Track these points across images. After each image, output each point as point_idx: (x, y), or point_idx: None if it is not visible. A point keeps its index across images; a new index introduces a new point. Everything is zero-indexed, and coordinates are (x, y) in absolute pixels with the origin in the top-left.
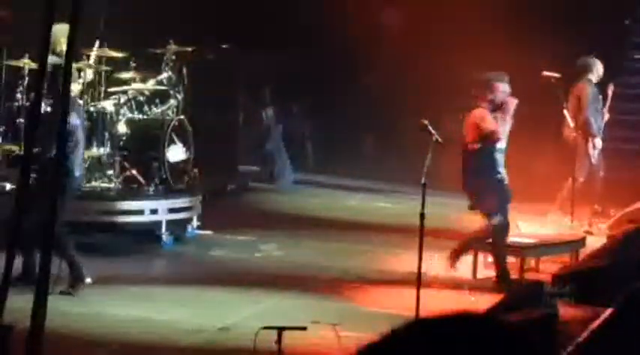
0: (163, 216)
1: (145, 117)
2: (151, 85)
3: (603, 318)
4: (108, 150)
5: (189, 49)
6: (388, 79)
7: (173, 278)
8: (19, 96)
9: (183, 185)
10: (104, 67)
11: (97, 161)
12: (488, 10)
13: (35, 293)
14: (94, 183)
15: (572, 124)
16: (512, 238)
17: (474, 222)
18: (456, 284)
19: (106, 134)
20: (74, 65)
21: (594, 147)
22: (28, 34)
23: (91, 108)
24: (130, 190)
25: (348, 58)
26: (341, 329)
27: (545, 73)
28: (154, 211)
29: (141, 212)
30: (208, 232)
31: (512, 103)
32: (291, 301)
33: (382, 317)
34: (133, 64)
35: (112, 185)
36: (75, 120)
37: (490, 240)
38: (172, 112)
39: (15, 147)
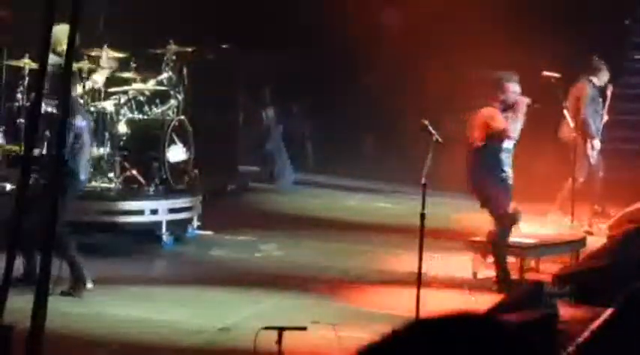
0: (163, 217)
1: (146, 117)
2: (151, 85)
3: (603, 318)
4: (108, 150)
5: (190, 49)
6: (388, 79)
7: (173, 278)
8: (19, 96)
9: (183, 185)
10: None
11: (97, 161)
12: (488, 10)
13: (35, 294)
14: (94, 183)
15: (572, 124)
16: (512, 238)
17: (474, 222)
18: (457, 285)
19: (107, 134)
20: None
21: (593, 148)
22: (29, 34)
23: (92, 109)
24: (131, 190)
25: (348, 58)
26: (341, 330)
27: (546, 73)
28: (154, 211)
29: (141, 212)
30: (208, 232)
31: (524, 103)
32: (291, 301)
33: (382, 318)
34: (133, 65)
35: (112, 185)
36: (81, 122)
37: (491, 240)
38: (173, 112)
39: (15, 148)
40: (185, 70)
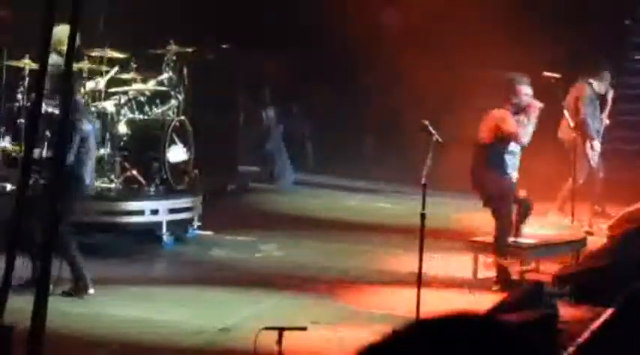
0: (164, 217)
1: (146, 117)
2: (151, 85)
3: (604, 318)
4: (108, 150)
5: (190, 49)
6: (388, 79)
7: (173, 278)
8: (19, 96)
9: (183, 185)
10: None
11: (97, 162)
12: (489, 10)
13: (36, 294)
14: (94, 184)
15: (572, 124)
16: (512, 238)
17: (474, 222)
18: (457, 285)
19: (107, 134)
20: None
21: (592, 149)
22: (29, 35)
23: (92, 109)
24: (131, 191)
25: (348, 58)
26: (341, 330)
27: (546, 74)
28: (154, 211)
29: (141, 212)
30: (209, 232)
31: (536, 108)
32: (291, 301)
33: (382, 318)
34: (133, 65)
35: (112, 185)
36: (87, 125)
37: (494, 241)
38: (173, 113)
39: (16, 148)
40: (185, 70)
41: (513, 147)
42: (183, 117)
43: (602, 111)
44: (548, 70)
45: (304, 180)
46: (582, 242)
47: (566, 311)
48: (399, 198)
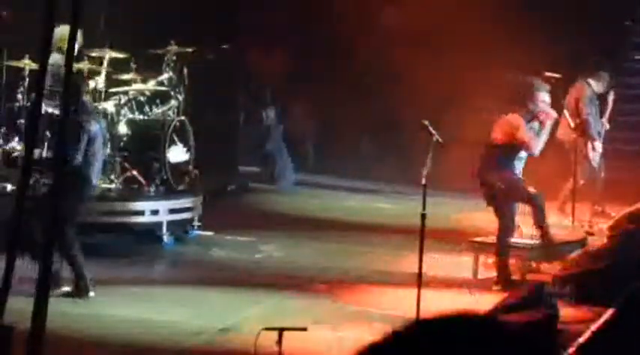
0: (164, 217)
1: (146, 117)
2: (151, 85)
3: (604, 319)
4: (109, 150)
5: (190, 49)
6: (388, 79)
7: (173, 278)
8: (19, 96)
9: (183, 186)
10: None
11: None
12: (489, 10)
13: (36, 295)
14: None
15: (572, 124)
16: (513, 239)
17: (474, 222)
18: (457, 285)
19: (107, 135)
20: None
21: (594, 149)
22: (29, 35)
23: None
24: (131, 191)
25: (348, 59)
26: (341, 330)
27: (546, 74)
28: (154, 212)
29: (142, 212)
30: (209, 233)
31: (551, 118)
32: (291, 301)
33: (382, 318)
34: (133, 65)
35: (112, 186)
36: (95, 126)
37: (495, 240)
38: (173, 113)
39: (15, 148)
40: (185, 71)
41: (523, 154)
42: (183, 118)
43: (602, 112)
44: (549, 70)
45: (304, 180)
46: (583, 242)
47: (566, 311)
48: (398, 199)
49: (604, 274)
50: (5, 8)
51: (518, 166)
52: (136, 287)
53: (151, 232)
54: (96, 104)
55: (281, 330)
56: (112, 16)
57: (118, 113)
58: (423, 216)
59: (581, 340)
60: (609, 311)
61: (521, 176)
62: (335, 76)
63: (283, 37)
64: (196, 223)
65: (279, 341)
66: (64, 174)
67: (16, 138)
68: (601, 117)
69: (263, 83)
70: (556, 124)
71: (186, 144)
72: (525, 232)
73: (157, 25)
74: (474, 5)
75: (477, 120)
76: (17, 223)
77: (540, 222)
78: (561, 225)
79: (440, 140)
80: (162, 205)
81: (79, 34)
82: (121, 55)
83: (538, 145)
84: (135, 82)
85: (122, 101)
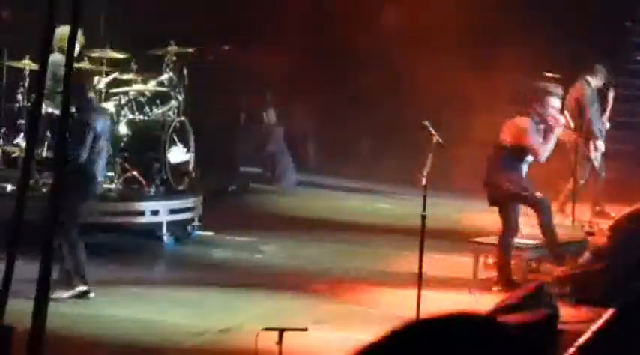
0: (164, 217)
1: (146, 118)
2: (151, 86)
3: (604, 319)
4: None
5: (190, 50)
6: (388, 79)
7: (174, 279)
8: (20, 97)
9: (184, 186)
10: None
11: None
12: (489, 11)
13: (36, 295)
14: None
15: (572, 125)
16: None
17: (475, 222)
18: (457, 285)
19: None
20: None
21: (596, 149)
22: (29, 35)
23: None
24: (131, 191)
25: (347, 58)
26: (341, 330)
27: (547, 74)
28: (154, 212)
29: (142, 213)
30: (209, 233)
31: (560, 125)
32: (291, 302)
33: (382, 318)
34: (134, 66)
35: (113, 186)
36: (100, 124)
37: (497, 240)
38: (173, 113)
39: (15, 149)
40: (185, 71)
41: (529, 158)
42: (183, 118)
43: (603, 111)
44: (549, 70)
45: (304, 180)
46: (583, 242)
47: (566, 312)
48: (399, 199)
49: (604, 274)
50: (5, 8)
51: (523, 170)
52: (136, 287)
53: (152, 232)
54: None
55: (281, 330)
56: (112, 16)
57: (118, 113)
58: (424, 217)
59: (581, 340)
60: (609, 311)
61: (526, 178)
62: (335, 76)
63: (283, 38)
64: (197, 223)
65: (280, 342)
66: (69, 172)
67: (21, 136)
68: (601, 115)
69: (263, 83)
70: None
71: (186, 144)
72: (525, 233)
73: (157, 25)
74: (474, 6)
75: (477, 121)
76: (17, 223)
77: (546, 226)
78: (562, 225)
79: (440, 140)
80: (163, 206)
81: (80, 35)
82: (121, 56)
83: (545, 152)
84: (135, 82)
85: (122, 101)
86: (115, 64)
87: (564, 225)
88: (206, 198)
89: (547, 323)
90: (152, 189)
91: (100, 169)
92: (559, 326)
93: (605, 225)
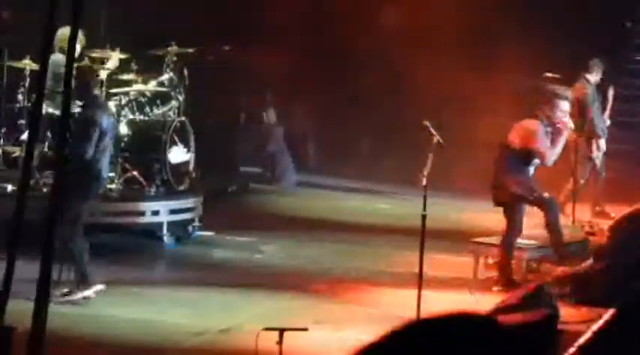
0: (165, 218)
1: (147, 118)
2: (152, 86)
3: (605, 319)
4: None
5: (190, 50)
6: (388, 79)
7: (174, 279)
8: (20, 97)
9: (184, 186)
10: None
11: None
12: (489, 11)
13: (36, 295)
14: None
15: (572, 125)
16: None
17: (475, 222)
18: (457, 285)
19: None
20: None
21: (598, 148)
22: (29, 35)
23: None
24: (132, 191)
25: (347, 58)
26: (341, 330)
27: (547, 74)
28: (155, 212)
29: (142, 213)
30: (209, 233)
31: (567, 128)
32: (291, 302)
33: (382, 318)
34: (134, 66)
35: (113, 186)
36: (106, 121)
37: (501, 239)
38: (174, 113)
39: (16, 149)
40: (186, 71)
41: (536, 161)
42: (183, 118)
43: (603, 109)
44: (549, 70)
45: (304, 180)
46: (584, 242)
47: (567, 312)
48: (399, 199)
49: (604, 274)
50: (5, 8)
51: (531, 171)
52: (137, 287)
53: (152, 233)
54: None
55: (281, 330)
56: (112, 16)
57: (118, 114)
58: (424, 217)
59: (581, 340)
60: (610, 312)
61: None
62: (335, 76)
63: (283, 38)
64: (197, 224)
65: (280, 342)
66: (73, 170)
67: (24, 135)
68: (602, 113)
69: (263, 83)
70: None
71: (186, 144)
72: (525, 233)
73: (157, 26)
74: (474, 6)
75: (477, 121)
76: (17, 223)
77: (553, 225)
78: (562, 225)
79: (441, 141)
80: (163, 206)
81: (81, 35)
82: (121, 56)
83: (552, 156)
84: (135, 82)
85: (123, 102)
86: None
87: (565, 225)
88: (206, 198)
89: (547, 323)
90: (152, 190)
91: (105, 167)
92: (559, 326)
93: (605, 225)
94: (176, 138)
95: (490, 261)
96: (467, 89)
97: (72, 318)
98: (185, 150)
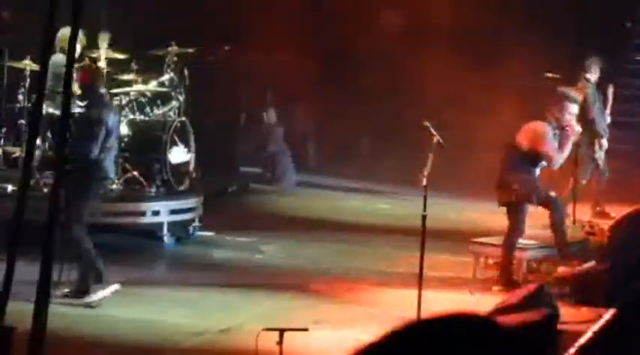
0: (165, 218)
1: (147, 118)
2: (152, 86)
3: (605, 319)
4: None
5: (191, 50)
6: (388, 79)
7: (174, 279)
8: (20, 97)
9: (184, 186)
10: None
11: None
12: (489, 11)
13: (36, 295)
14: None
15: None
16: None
17: (475, 222)
18: (457, 285)
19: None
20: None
21: (600, 147)
22: (29, 35)
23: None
24: (132, 192)
25: (347, 58)
26: (341, 330)
27: (547, 75)
28: (155, 212)
29: (142, 213)
30: (210, 233)
31: (574, 132)
32: (291, 302)
33: (382, 318)
34: (134, 66)
35: (113, 186)
36: (111, 120)
37: (503, 239)
38: (174, 114)
39: (16, 149)
40: (186, 71)
41: (543, 163)
42: (184, 118)
43: (604, 108)
44: (549, 70)
45: (304, 180)
46: (585, 242)
47: (567, 312)
48: (399, 199)
49: (604, 274)
50: (5, 8)
51: (537, 172)
52: (137, 287)
53: (152, 233)
54: None
55: (282, 331)
56: (112, 17)
57: (119, 114)
58: (424, 217)
59: (582, 341)
60: (610, 312)
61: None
62: (335, 76)
63: (283, 38)
64: (197, 224)
65: (280, 342)
66: (77, 169)
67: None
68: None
69: (263, 83)
70: None
71: (187, 144)
72: (525, 233)
73: (157, 26)
74: (474, 7)
75: (477, 121)
76: (17, 223)
77: (558, 225)
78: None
79: (441, 141)
80: (163, 206)
81: (82, 36)
82: (121, 56)
83: (559, 159)
84: (136, 82)
85: (123, 102)
86: (115, 65)
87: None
88: (206, 198)
89: (547, 323)
90: (153, 190)
91: (110, 167)
92: (559, 326)
93: (605, 225)
94: (176, 139)
95: (490, 261)
96: (467, 89)
97: (72, 318)
98: (185, 150)
